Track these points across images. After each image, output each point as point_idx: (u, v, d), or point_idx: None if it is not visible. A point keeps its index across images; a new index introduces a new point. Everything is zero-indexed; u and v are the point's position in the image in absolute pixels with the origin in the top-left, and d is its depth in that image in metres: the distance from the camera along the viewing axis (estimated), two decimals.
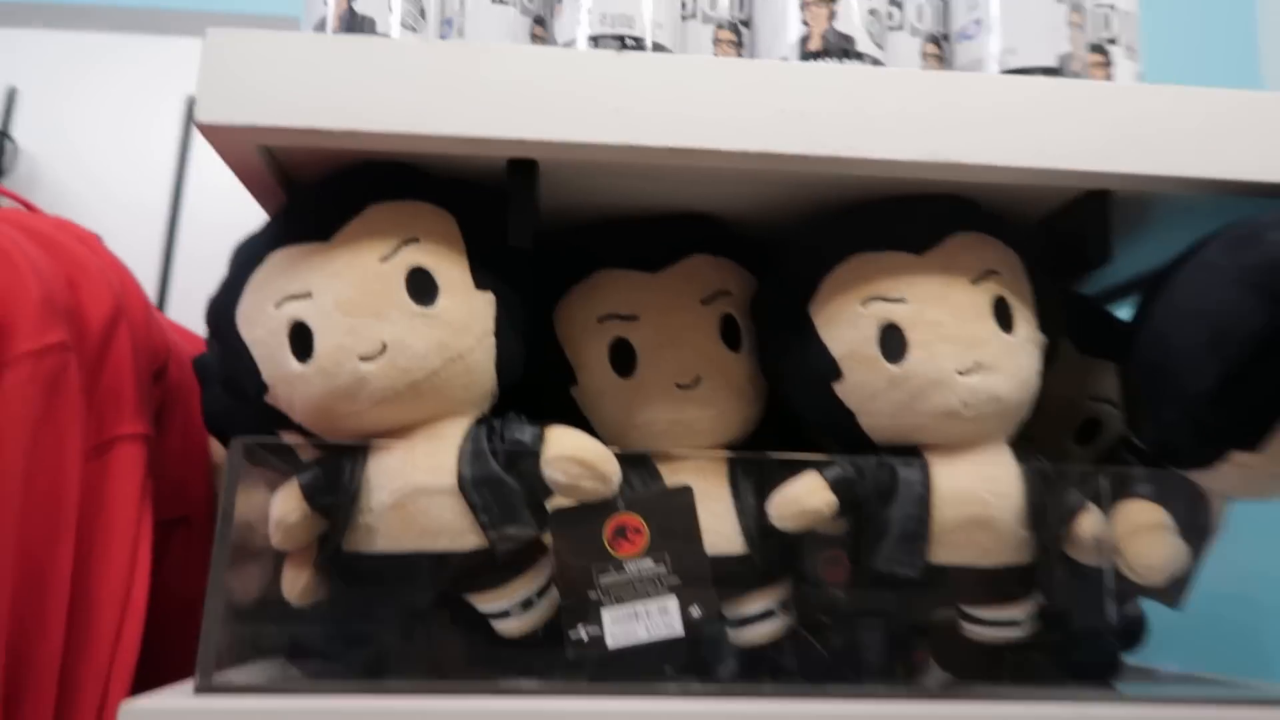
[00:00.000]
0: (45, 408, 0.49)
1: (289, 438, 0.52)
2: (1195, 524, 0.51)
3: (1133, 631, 0.58)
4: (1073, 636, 0.53)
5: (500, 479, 0.48)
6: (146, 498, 0.54)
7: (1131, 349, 0.54)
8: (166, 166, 1.00)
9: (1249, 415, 0.48)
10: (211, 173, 1.00)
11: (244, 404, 0.52)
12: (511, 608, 0.49)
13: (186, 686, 0.44)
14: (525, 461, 0.48)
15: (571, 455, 0.48)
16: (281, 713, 0.42)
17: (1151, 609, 0.58)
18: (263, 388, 0.50)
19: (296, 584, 0.51)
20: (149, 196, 0.98)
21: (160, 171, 1.00)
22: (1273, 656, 0.60)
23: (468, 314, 0.50)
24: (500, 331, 0.51)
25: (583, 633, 0.47)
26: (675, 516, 0.48)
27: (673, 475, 0.53)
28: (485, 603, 0.49)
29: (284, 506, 0.49)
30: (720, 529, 0.52)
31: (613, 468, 0.48)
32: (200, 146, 1.01)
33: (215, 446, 0.69)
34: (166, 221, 0.99)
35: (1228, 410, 0.48)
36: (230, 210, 0.92)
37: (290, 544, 0.50)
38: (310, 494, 0.49)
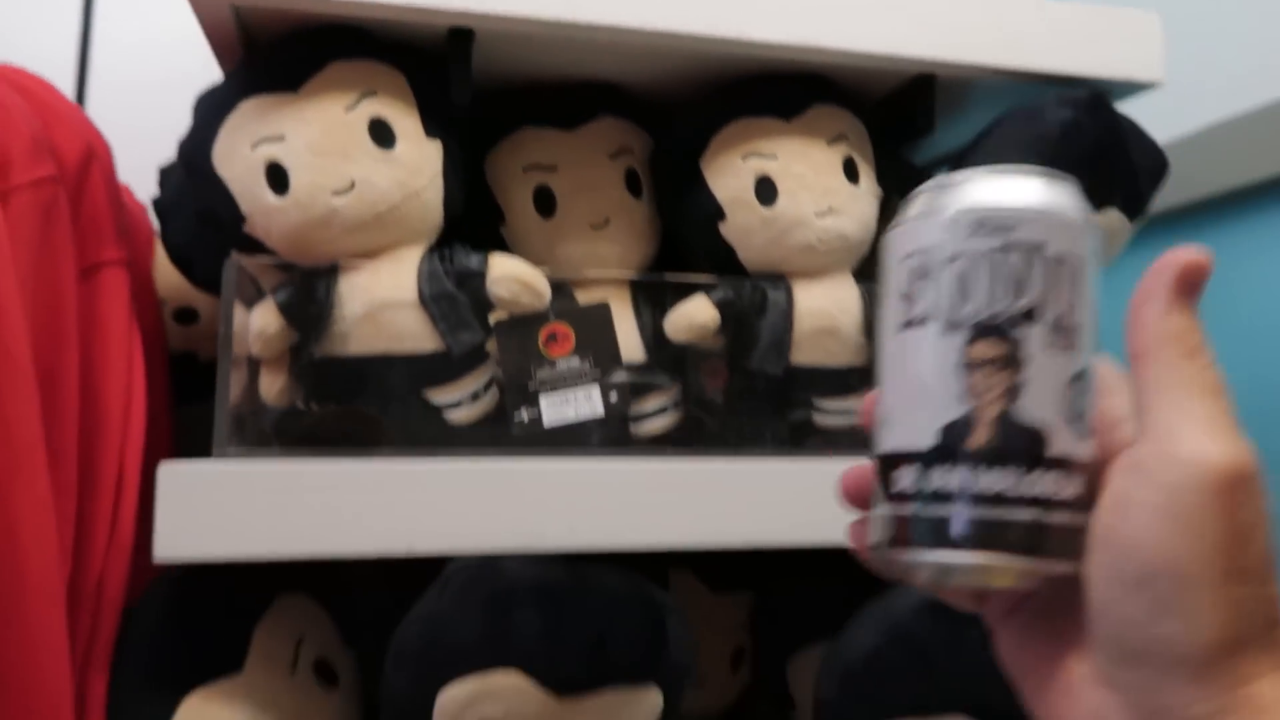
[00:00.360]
0: (44, 233, 0.56)
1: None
2: None
3: None
4: None
5: (453, 294, 0.58)
6: (133, 316, 0.62)
7: None
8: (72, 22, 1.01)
9: None
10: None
11: (220, 235, 0.60)
12: (463, 399, 0.60)
13: (203, 460, 0.54)
14: (473, 281, 0.59)
15: (512, 275, 0.59)
16: (291, 472, 0.52)
17: None
18: (241, 219, 0.59)
19: (273, 387, 0.61)
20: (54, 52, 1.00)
21: (66, 27, 1.00)
22: None
23: (420, 158, 0.59)
24: (446, 174, 0.61)
25: (524, 415, 0.59)
26: (596, 325, 0.61)
27: (586, 298, 0.65)
28: (441, 396, 0.60)
29: (263, 320, 0.59)
30: (625, 342, 0.64)
31: (545, 285, 0.60)
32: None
33: (159, 279, 0.76)
34: (75, 72, 1.00)
35: None
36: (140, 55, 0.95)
37: (268, 352, 0.60)
38: (285, 309, 0.59)
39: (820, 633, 0.68)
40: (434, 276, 0.58)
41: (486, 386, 0.61)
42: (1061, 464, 0.30)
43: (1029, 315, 0.30)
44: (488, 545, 0.54)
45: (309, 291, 0.58)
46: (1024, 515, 0.30)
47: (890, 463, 0.32)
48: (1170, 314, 0.29)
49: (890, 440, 0.32)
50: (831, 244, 0.64)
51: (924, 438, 0.31)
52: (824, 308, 0.64)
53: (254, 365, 0.61)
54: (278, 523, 0.52)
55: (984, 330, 0.31)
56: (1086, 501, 0.30)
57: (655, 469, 0.58)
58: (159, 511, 0.50)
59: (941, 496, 0.30)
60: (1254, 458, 0.28)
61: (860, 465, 0.34)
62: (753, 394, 0.65)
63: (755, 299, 0.64)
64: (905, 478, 0.31)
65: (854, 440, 0.67)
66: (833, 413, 0.67)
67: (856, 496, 0.35)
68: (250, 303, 0.60)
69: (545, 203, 0.66)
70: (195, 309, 0.76)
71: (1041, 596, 0.33)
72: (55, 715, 0.48)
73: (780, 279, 0.65)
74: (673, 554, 0.67)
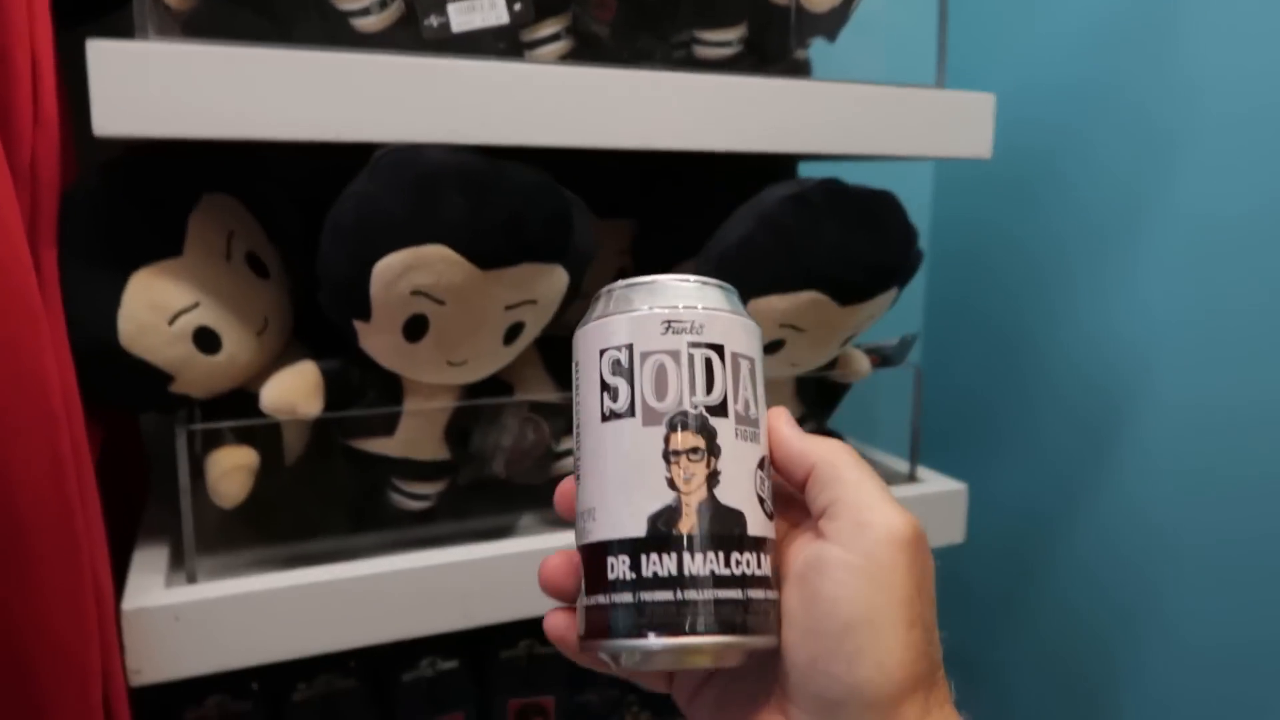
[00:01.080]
0: None
1: None
2: None
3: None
4: (766, 58, 0.76)
5: None
6: None
7: None
8: None
9: None
10: None
11: None
12: (370, 6, 0.63)
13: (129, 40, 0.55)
14: None
15: None
16: (218, 54, 0.55)
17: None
18: None
19: None
20: None
21: None
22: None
23: None
24: None
25: (433, 20, 0.62)
26: None
27: None
28: (348, 1, 0.62)
29: None
30: None
31: None
32: None
33: None
34: None
35: None
36: None
37: None
38: None
39: (693, 252, 0.77)
40: None
41: None
42: (757, 543, 0.33)
43: (720, 408, 0.33)
44: (407, 134, 0.59)
45: None
46: (734, 594, 0.32)
47: (599, 552, 0.33)
48: (821, 438, 0.35)
49: (598, 531, 0.33)
50: None
51: (633, 527, 0.32)
52: None
53: None
54: (209, 104, 0.55)
55: (683, 422, 0.33)
56: (775, 577, 0.34)
57: (557, 72, 0.63)
58: (92, 87, 0.52)
59: (658, 583, 0.32)
60: (921, 525, 0.33)
61: (559, 556, 0.35)
62: (639, 20, 0.70)
63: None
64: (618, 567, 0.32)
65: (731, 69, 0.74)
66: (711, 44, 0.73)
67: (558, 589, 0.35)
68: None
69: None
70: None
71: (730, 669, 0.35)
72: (22, 276, 0.52)
73: None
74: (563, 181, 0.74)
